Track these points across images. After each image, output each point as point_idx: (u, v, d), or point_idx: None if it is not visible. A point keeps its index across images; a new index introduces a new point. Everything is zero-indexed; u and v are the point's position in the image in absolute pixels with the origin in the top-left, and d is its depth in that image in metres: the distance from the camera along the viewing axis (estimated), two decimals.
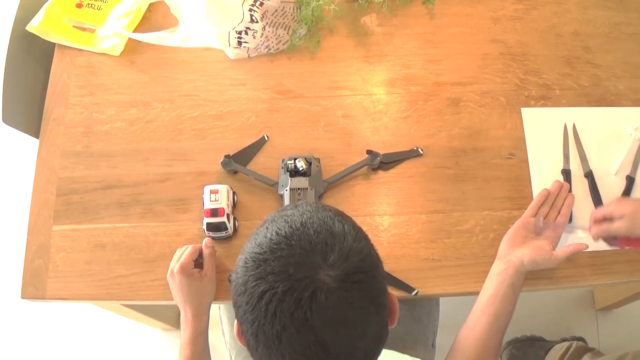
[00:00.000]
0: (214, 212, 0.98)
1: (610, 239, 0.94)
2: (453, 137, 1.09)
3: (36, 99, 1.16)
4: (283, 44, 1.17)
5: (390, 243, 1.02)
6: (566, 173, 1.05)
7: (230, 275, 0.99)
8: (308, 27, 1.17)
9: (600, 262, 0.99)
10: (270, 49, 1.16)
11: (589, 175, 1.05)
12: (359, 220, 0.67)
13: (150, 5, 1.21)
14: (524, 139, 1.09)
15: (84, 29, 1.20)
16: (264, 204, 1.05)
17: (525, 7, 1.20)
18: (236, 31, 1.13)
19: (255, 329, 0.59)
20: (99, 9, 1.21)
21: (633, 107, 1.11)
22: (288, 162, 1.03)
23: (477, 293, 0.93)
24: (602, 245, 0.99)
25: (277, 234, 0.61)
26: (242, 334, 0.63)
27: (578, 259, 0.99)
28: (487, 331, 0.87)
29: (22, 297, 1.01)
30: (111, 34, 1.18)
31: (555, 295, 1.66)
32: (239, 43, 1.14)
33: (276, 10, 1.14)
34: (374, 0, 1.20)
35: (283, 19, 1.16)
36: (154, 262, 1.02)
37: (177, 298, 0.95)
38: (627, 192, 1.04)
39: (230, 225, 1.00)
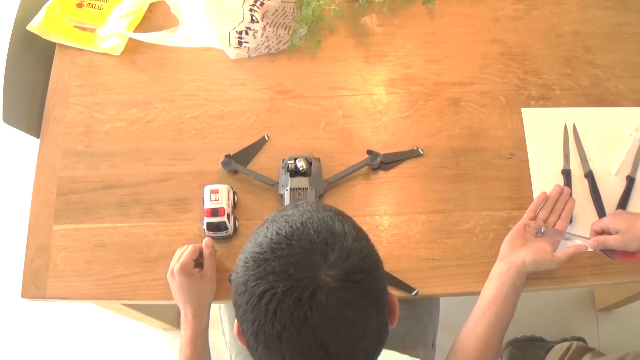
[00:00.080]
0: (214, 212, 0.98)
1: (608, 251, 0.95)
2: (453, 137, 1.09)
3: (37, 99, 1.16)
4: (283, 44, 1.17)
5: (391, 243, 1.02)
6: (566, 173, 1.05)
7: (230, 275, 0.99)
8: (308, 27, 1.18)
9: (600, 263, 0.99)
10: (270, 49, 1.16)
11: (589, 176, 1.05)
12: (359, 220, 0.67)
13: (151, 5, 1.21)
14: (524, 139, 1.09)
15: (84, 29, 1.20)
16: (264, 203, 1.05)
17: (526, 7, 1.20)
18: (237, 31, 1.13)
19: (255, 328, 0.59)
20: (99, 8, 1.21)
21: (633, 107, 1.11)
22: (288, 162, 1.03)
23: (477, 293, 0.93)
24: None
25: (278, 233, 0.61)
26: (242, 333, 0.63)
27: (578, 259, 0.99)
28: (488, 331, 0.87)
29: (23, 297, 1.01)
30: (112, 33, 1.18)
31: (555, 295, 1.66)
32: (240, 43, 1.14)
33: (276, 10, 1.14)
34: (374, 0, 1.20)
35: (283, 19, 1.16)
36: (155, 261, 1.02)
37: (177, 298, 0.95)
38: (627, 192, 1.04)
39: (230, 225, 1.00)
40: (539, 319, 1.60)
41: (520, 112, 1.11)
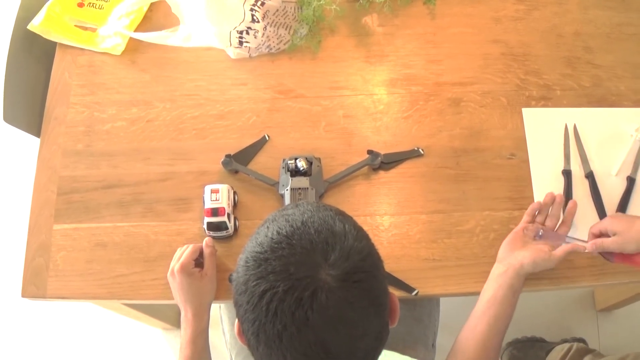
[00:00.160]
0: (215, 212, 0.98)
1: (606, 254, 0.95)
2: (454, 137, 1.09)
3: (37, 98, 1.16)
4: (284, 44, 1.17)
5: (391, 243, 1.02)
6: (567, 173, 1.05)
7: (230, 275, 0.99)
8: (309, 27, 1.18)
9: (600, 263, 0.99)
10: (271, 49, 1.16)
11: (590, 176, 1.05)
12: (360, 220, 0.67)
13: (152, 4, 1.21)
14: (525, 139, 1.09)
15: (85, 28, 1.20)
16: (264, 203, 1.05)
17: (527, 8, 1.20)
18: (237, 31, 1.13)
19: (256, 328, 0.59)
20: (100, 8, 1.21)
21: (634, 107, 1.11)
22: (289, 161, 1.03)
23: (477, 293, 0.93)
24: None
25: (278, 233, 0.61)
26: (243, 333, 0.63)
27: (578, 259, 0.99)
28: (487, 333, 0.87)
29: (23, 296, 1.01)
30: (112, 33, 1.19)
31: (555, 295, 1.65)
32: (240, 43, 1.14)
33: (277, 10, 1.14)
34: (375, 0, 1.20)
35: (284, 19, 1.16)
36: (155, 261, 1.02)
37: (178, 297, 0.95)
38: (627, 193, 1.04)
39: (230, 225, 1.00)
40: (539, 320, 1.60)
41: (520, 113, 1.11)
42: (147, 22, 1.20)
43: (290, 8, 1.17)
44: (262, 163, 1.08)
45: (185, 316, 0.93)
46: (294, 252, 0.59)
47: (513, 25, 1.19)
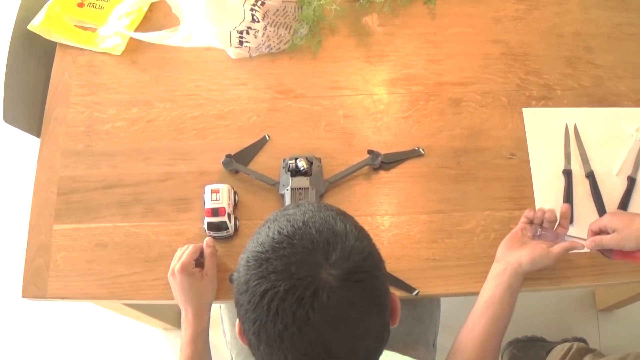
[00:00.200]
0: (215, 212, 0.98)
1: (605, 251, 0.94)
2: (454, 137, 1.09)
3: (37, 98, 1.16)
4: (284, 44, 1.17)
5: (391, 243, 1.02)
6: (567, 173, 1.05)
7: (231, 275, 0.99)
8: (309, 27, 1.17)
9: (600, 263, 0.99)
10: (271, 49, 1.16)
11: (590, 176, 1.05)
12: (360, 220, 0.67)
13: (152, 4, 1.21)
14: (525, 139, 1.09)
15: (85, 28, 1.20)
16: (265, 203, 1.05)
17: (527, 7, 1.20)
18: (237, 31, 1.13)
19: (257, 327, 0.59)
20: (100, 8, 1.21)
21: (634, 107, 1.11)
22: (289, 161, 1.03)
23: (478, 293, 0.93)
24: None
25: (279, 232, 0.61)
26: (243, 333, 0.63)
27: (578, 259, 0.99)
28: (486, 333, 0.87)
29: (23, 296, 1.01)
30: (112, 33, 1.18)
31: (556, 295, 1.65)
32: (240, 43, 1.14)
33: (277, 10, 1.14)
34: (375, 0, 1.20)
35: (284, 19, 1.16)
36: (155, 261, 1.02)
37: (178, 297, 0.95)
38: (628, 192, 1.04)
39: (231, 225, 1.00)
40: (539, 319, 1.60)
41: (521, 112, 1.11)
42: (147, 22, 1.20)
43: (291, 8, 1.16)
44: (262, 163, 1.08)
45: (186, 316, 0.93)
46: (295, 252, 0.59)
47: (513, 25, 1.19)
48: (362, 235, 0.63)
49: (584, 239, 0.93)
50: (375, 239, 0.65)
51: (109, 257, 1.02)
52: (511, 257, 0.91)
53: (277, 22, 1.15)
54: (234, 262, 1.01)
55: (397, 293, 0.97)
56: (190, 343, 0.92)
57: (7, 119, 1.09)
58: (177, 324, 1.61)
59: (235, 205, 1.04)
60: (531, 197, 1.04)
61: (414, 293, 0.97)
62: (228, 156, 1.05)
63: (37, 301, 1.02)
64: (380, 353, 0.64)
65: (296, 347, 0.57)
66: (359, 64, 1.16)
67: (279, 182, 1.03)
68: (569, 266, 0.98)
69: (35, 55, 1.18)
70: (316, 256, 0.59)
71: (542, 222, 0.95)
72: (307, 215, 0.62)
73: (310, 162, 1.03)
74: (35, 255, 1.03)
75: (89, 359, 1.66)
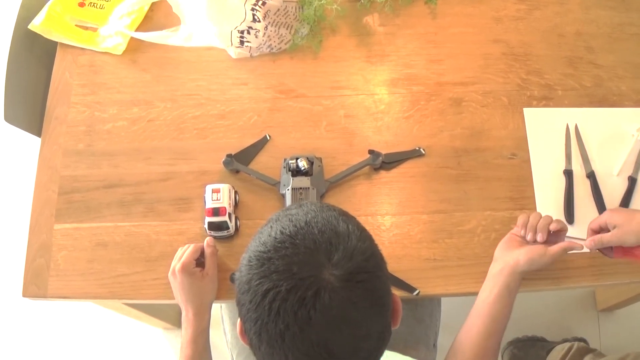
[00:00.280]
0: (216, 211, 0.98)
1: (606, 249, 0.94)
2: (455, 137, 1.09)
3: (38, 98, 1.16)
4: (285, 44, 1.17)
5: (392, 243, 1.02)
6: (568, 173, 1.05)
7: (232, 275, 0.99)
8: (310, 27, 1.17)
9: (600, 263, 0.99)
10: (272, 49, 1.16)
11: (591, 176, 1.05)
12: (361, 220, 0.67)
13: (153, 4, 1.21)
14: (526, 139, 1.09)
15: (86, 28, 1.20)
16: (265, 203, 1.05)
17: (528, 7, 1.20)
18: (238, 30, 1.13)
19: (258, 327, 0.59)
20: (101, 7, 1.21)
21: (635, 107, 1.11)
22: (290, 161, 1.03)
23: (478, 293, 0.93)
24: None
25: (282, 232, 0.61)
26: (245, 332, 0.62)
27: (579, 259, 0.99)
28: (484, 333, 0.87)
29: (24, 296, 1.01)
30: (113, 33, 1.18)
31: (556, 295, 1.65)
32: (241, 42, 1.14)
33: (278, 10, 1.14)
34: (376, 0, 1.20)
35: (285, 19, 1.16)
36: (156, 261, 1.02)
37: (179, 297, 0.95)
38: (628, 193, 1.04)
39: (231, 225, 1.00)
40: (540, 319, 1.60)
41: (522, 112, 1.11)
42: (148, 21, 1.20)
43: (292, 8, 1.16)
44: (263, 163, 1.08)
45: (186, 316, 0.93)
46: (297, 252, 0.59)
47: (514, 25, 1.19)
48: (365, 236, 0.63)
49: (584, 240, 0.93)
50: (376, 239, 0.65)
51: (110, 257, 1.02)
52: (509, 257, 0.91)
53: (278, 22, 1.15)
54: (235, 262, 1.01)
55: (397, 293, 0.97)
56: (191, 343, 0.92)
57: (7, 118, 1.09)
58: (177, 323, 1.61)
59: (236, 205, 1.04)
60: (532, 197, 1.04)
61: (415, 293, 0.97)
62: (229, 156, 1.05)
63: (37, 301, 1.02)
64: (381, 353, 0.64)
65: (297, 347, 0.57)
66: (360, 63, 1.16)
67: (279, 182, 1.03)
68: (569, 266, 0.98)
69: (36, 54, 1.18)
70: (318, 256, 0.59)
71: (534, 236, 0.92)
72: (309, 216, 0.62)
73: (311, 162, 1.03)
74: (35, 255, 1.03)
75: (89, 359, 1.66)
